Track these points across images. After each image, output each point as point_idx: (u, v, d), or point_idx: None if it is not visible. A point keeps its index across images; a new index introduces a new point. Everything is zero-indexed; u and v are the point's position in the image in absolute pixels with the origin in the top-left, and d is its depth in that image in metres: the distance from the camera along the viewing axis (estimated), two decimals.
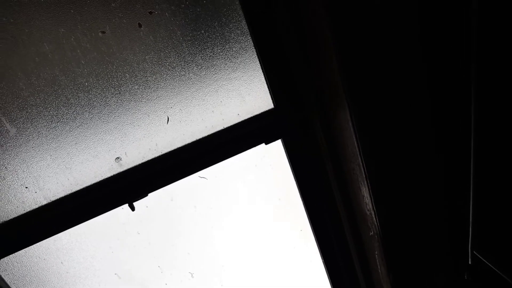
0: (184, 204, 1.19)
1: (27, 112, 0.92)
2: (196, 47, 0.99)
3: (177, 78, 1.00)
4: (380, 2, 0.87)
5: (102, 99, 0.96)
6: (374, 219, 1.11)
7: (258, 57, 1.05)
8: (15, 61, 0.87)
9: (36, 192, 1.00)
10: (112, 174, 1.04)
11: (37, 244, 1.07)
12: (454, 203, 1.14)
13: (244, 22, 1.01)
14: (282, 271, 1.44)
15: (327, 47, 0.91)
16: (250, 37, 1.03)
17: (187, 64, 1.00)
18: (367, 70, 0.93)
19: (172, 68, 0.99)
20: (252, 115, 1.11)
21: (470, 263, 1.10)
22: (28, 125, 0.93)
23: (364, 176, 1.04)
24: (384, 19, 0.89)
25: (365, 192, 1.08)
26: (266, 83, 1.09)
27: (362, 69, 0.92)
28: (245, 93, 1.08)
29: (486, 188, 0.99)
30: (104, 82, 0.95)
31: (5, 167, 0.95)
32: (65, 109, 0.94)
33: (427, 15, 0.91)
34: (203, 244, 1.28)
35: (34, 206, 1.02)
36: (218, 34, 1.00)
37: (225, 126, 1.10)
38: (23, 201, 1.00)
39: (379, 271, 1.27)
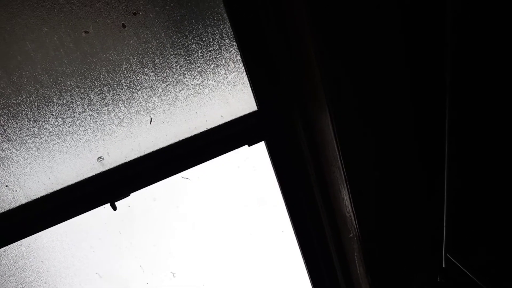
0: (167, 204, 1.20)
1: (8, 110, 0.92)
2: (180, 49, 1.00)
3: (160, 79, 1.01)
4: (361, 10, 0.89)
5: (84, 98, 0.96)
6: (354, 221, 1.13)
7: (242, 60, 1.06)
8: None
9: (16, 190, 1.00)
10: (94, 174, 1.04)
11: (17, 242, 1.07)
12: (431, 207, 1.17)
13: (228, 24, 1.02)
14: (264, 272, 1.45)
15: (309, 52, 0.92)
16: (234, 40, 1.04)
17: (171, 66, 1.01)
18: (348, 75, 0.94)
19: (156, 69, 0.99)
20: (235, 117, 1.12)
21: (443, 266, 1.12)
22: (9, 123, 0.93)
23: (344, 179, 1.06)
24: (366, 28, 0.91)
25: (345, 195, 1.10)
26: (250, 85, 1.10)
27: (343, 74, 0.94)
28: (229, 95, 1.09)
29: (460, 193, 1.02)
30: (87, 81, 0.95)
31: None
32: (47, 108, 0.94)
33: (409, 19, 0.94)
34: (185, 244, 1.29)
35: (15, 204, 1.01)
36: (202, 36, 1.01)
37: (208, 127, 1.10)
38: (3, 200, 1.00)
39: (358, 272, 1.29)
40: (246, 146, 1.15)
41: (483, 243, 1.01)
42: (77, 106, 0.96)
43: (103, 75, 0.96)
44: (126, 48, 0.95)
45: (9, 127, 0.93)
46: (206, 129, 1.10)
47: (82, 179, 1.04)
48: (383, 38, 0.93)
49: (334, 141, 1.00)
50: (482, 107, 0.89)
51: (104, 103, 0.98)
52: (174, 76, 1.02)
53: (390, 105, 1.02)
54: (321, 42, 0.89)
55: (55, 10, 0.87)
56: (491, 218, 0.99)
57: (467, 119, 0.91)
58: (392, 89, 1.00)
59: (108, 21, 0.92)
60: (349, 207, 1.11)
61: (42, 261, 1.14)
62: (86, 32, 0.91)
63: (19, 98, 0.91)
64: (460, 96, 0.90)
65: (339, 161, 1.03)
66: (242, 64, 1.07)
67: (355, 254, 1.25)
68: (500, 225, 1.00)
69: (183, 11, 0.96)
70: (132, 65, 0.97)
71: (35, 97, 0.93)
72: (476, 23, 0.81)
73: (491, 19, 0.80)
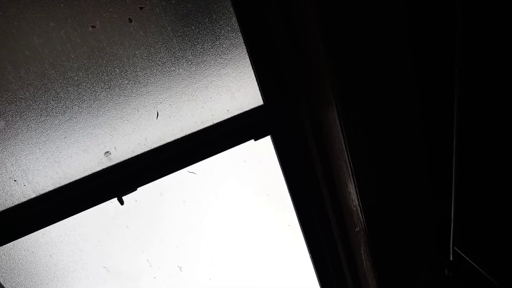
0: (173, 199, 1.20)
1: (16, 105, 0.92)
2: (186, 43, 1.00)
3: (167, 74, 1.01)
4: (369, 3, 0.88)
5: (91, 93, 0.97)
6: (360, 215, 1.13)
7: (248, 54, 1.06)
8: (4, 54, 0.87)
9: (25, 185, 1.00)
10: (101, 168, 1.05)
11: (26, 237, 1.08)
12: (437, 200, 1.17)
13: (234, 19, 1.02)
14: (270, 266, 1.46)
15: (317, 46, 0.92)
16: (240, 34, 1.04)
17: (177, 60, 1.01)
18: (355, 70, 0.94)
19: (162, 63, 1.00)
20: (241, 111, 1.12)
21: (451, 259, 1.12)
22: (17, 118, 0.93)
23: (350, 173, 1.05)
24: (374, 21, 0.90)
25: (352, 189, 1.10)
26: (256, 79, 1.10)
27: (350, 69, 0.93)
28: (235, 89, 1.09)
29: (468, 187, 1.01)
30: (94, 76, 0.95)
31: None
32: (55, 103, 0.95)
33: (416, 18, 0.93)
34: (191, 238, 1.29)
35: (23, 199, 1.02)
36: (208, 31, 1.01)
37: (215, 122, 1.11)
38: (11, 194, 1.00)
39: (365, 266, 1.29)
40: (252, 140, 1.15)
41: (490, 236, 1.01)
42: (84, 101, 0.97)
43: (109, 69, 0.96)
44: (132, 42, 0.95)
45: (17, 122, 0.94)
46: (212, 124, 1.10)
47: (90, 173, 1.04)
48: (390, 35, 0.93)
49: (341, 135, 1.00)
50: (490, 104, 0.89)
51: (111, 98, 0.99)
52: (181, 70, 1.02)
53: (398, 100, 1.01)
54: (330, 37, 0.88)
55: (62, 5, 0.88)
56: (499, 211, 0.98)
57: (476, 114, 0.91)
58: (400, 84, 1.00)
59: (114, 15, 0.92)
60: (356, 201, 1.11)
61: (50, 255, 1.15)
62: (93, 26, 0.91)
63: (27, 93, 0.92)
64: (469, 93, 0.89)
65: (346, 155, 1.03)
66: (248, 58, 1.07)
67: (362, 248, 1.25)
68: (509, 217, 0.99)
69: (189, 5, 0.96)
70: (138, 60, 0.97)
71: (42, 92, 0.93)
72: (485, 25, 0.80)
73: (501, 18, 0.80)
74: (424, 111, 1.05)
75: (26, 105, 0.93)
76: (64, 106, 0.96)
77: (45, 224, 1.07)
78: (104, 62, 0.95)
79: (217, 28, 1.01)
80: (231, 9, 1.00)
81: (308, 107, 1.11)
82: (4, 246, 1.07)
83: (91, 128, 1.00)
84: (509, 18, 0.74)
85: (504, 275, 0.97)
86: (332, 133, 1.05)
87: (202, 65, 1.03)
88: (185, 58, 1.01)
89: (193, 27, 0.99)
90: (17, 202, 1.02)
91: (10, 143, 0.95)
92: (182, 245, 1.29)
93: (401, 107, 1.03)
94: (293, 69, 1.08)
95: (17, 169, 0.98)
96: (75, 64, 0.93)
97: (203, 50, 1.02)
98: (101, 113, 0.99)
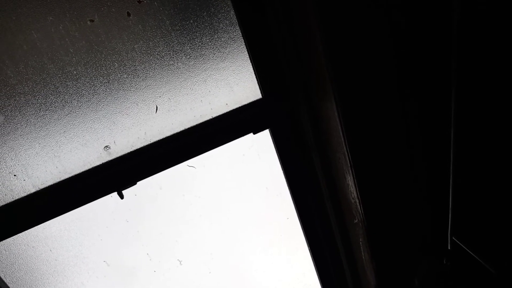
0: (173, 193, 1.21)
1: (15, 100, 0.92)
2: (185, 37, 1.00)
3: (166, 68, 1.01)
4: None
5: (90, 87, 0.97)
6: (359, 207, 1.14)
7: (247, 47, 1.06)
8: (3, 48, 0.87)
9: (24, 180, 1.01)
10: (101, 163, 1.05)
11: (26, 231, 1.08)
12: (435, 191, 1.18)
13: (232, 12, 1.02)
14: (269, 259, 1.47)
15: (315, 40, 0.92)
16: (238, 28, 1.04)
17: (176, 54, 1.01)
18: (353, 62, 0.94)
19: (161, 57, 1.00)
20: (240, 105, 1.13)
21: (449, 248, 1.14)
22: (16, 113, 0.93)
23: (349, 165, 1.06)
24: (371, 15, 0.91)
25: (350, 181, 1.11)
26: (254, 73, 1.10)
27: (348, 62, 0.94)
28: (234, 83, 1.10)
29: (466, 176, 1.03)
30: (93, 70, 0.95)
31: None
32: (54, 97, 0.95)
33: (412, 16, 0.94)
34: (191, 232, 1.30)
35: (23, 194, 1.02)
36: (207, 24, 1.01)
37: (214, 115, 1.11)
38: (11, 189, 1.00)
39: (363, 257, 1.31)
40: (251, 134, 1.16)
41: (487, 225, 1.02)
42: (83, 95, 0.97)
43: (108, 64, 0.96)
44: (131, 36, 0.95)
45: (16, 116, 0.94)
46: (211, 117, 1.11)
47: (89, 168, 1.05)
48: (387, 27, 0.93)
49: (340, 127, 1.01)
50: (487, 96, 0.89)
51: (110, 92, 0.99)
52: (179, 64, 1.02)
53: (396, 92, 1.02)
54: (328, 30, 0.89)
55: None
56: (496, 201, 0.99)
57: (473, 107, 0.92)
58: (398, 77, 1.00)
59: (113, 9, 0.92)
60: (354, 193, 1.12)
61: (50, 250, 1.15)
62: (91, 21, 0.91)
63: (26, 87, 0.92)
64: (465, 85, 0.90)
65: (344, 147, 1.04)
66: (246, 51, 1.07)
67: (360, 240, 1.26)
68: (505, 207, 1.00)
69: None
70: (137, 54, 0.97)
71: (41, 86, 0.93)
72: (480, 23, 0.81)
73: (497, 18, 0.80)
74: (422, 103, 1.06)
75: (25, 100, 0.93)
76: (63, 101, 0.96)
77: (45, 219, 1.07)
78: (103, 56, 0.95)
79: (216, 22, 1.01)
80: (229, 2, 1.00)
81: (306, 100, 1.11)
82: (4, 241, 1.07)
83: (90, 122, 1.00)
84: (508, 12, 0.75)
85: (501, 264, 0.99)
86: (330, 125, 1.06)
87: (201, 59, 1.03)
88: (183, 51, 1.01)
89: (191, 21, 0.99)
90: (17, 197, 1.02)
91: (10, 138, 0.95)
92: (182, 239, 1.30)
93: (400, 99, 1.03)
94: (292, 63, 1.08)
95: (16, 164, 0.98)
96: (74, 59, 0.93)
97: (202, 43, 1.02)
98: (100, 107, 0.99)
